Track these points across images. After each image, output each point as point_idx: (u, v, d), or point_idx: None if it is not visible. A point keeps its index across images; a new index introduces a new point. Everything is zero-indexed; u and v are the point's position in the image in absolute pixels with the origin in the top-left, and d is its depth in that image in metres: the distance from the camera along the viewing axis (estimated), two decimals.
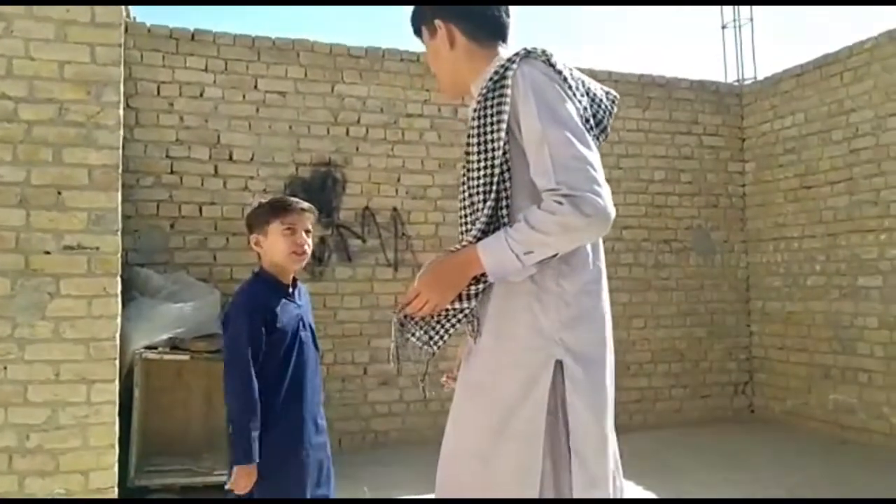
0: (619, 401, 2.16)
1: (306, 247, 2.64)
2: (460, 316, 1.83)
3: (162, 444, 4.61)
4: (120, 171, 3.84)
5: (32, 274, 3.63)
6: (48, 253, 3.66)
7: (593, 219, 1.64)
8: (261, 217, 2.65)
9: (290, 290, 2.69)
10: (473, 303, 1.81)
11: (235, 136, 5.57)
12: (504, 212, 1.78)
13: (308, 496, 2.57)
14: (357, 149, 5.88)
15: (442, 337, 1.85)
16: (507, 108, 1.74)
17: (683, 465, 5.15)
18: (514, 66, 1.76)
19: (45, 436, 3.60)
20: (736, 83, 7.57)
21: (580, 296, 1.79)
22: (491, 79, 1.78)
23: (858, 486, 4.66)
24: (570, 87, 1.80)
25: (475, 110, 1.80)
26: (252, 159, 5.60)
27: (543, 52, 1.80)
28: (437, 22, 1.94)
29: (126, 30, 4.30)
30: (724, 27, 8.40)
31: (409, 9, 2.06)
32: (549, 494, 1.72)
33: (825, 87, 6.26)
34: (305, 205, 2.68)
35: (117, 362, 3.78)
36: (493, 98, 1.76)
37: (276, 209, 2.64)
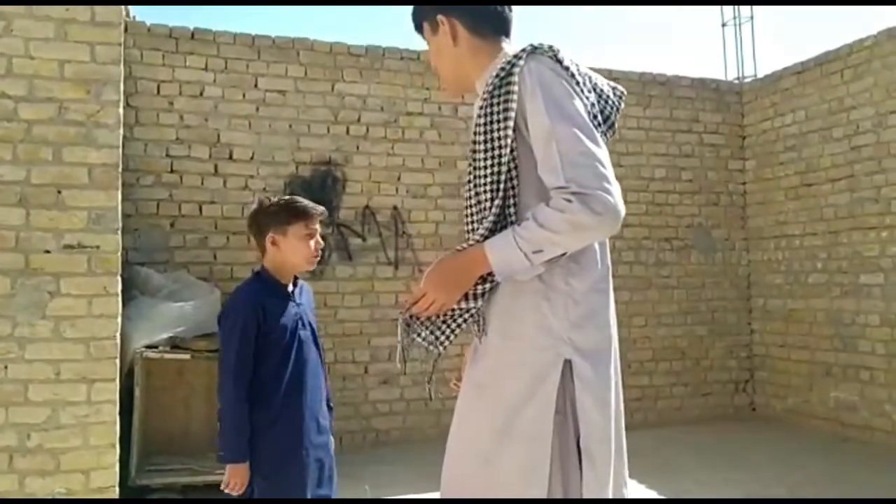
0: None
1: (319, 251, 2.68)
2: (466, 316, 1.81)
3: (163, 443, 4.61)
4: (120, 169, 3.83)
5: (32, 273, 3.62)
6: (48, 252, 3.65)
7: (603, 217, 1.62)
8: (279, 217, 2.63)
9: (291, 289, 2.69)
10: (480, 302, 1.79)
11: (235, 135, 5.56)
12: (511, 210, 1.76)
13: (309, 496, 2.56)
14: (357, 147, 5.87)
15: (448, 337, 1.83)
16: (514, 104, 1.72)
17: (684, 464, 5.15)
18: (521, 62, 1.73)
19: (46, 435, 3.60)
20: (736, 81, 7.56)
21: (589, 294, 1.77)
22: (497, 75, 1.75)
23: (860, 484, 4.65)
24: (577, 84, 1.77)
25: (481, 107, 1.78)
26: (252, 158, 5.59)
27: (550, 47, 1.78)
28: (440, 17, 1.91)
29: (126, 29, 4.29)
30: (724, 25, 8.38)
31: (409, 7, 2.04)
32: (558, 494, 1.71)
33: (826, 84, 6.25)
34: (321, 208, 2.69)
35: (118, 361, 3.77)
36: (499, 95, 1.74)
37: (297, 212, 2.63)
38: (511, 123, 1.72)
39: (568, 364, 1.72)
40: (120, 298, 3.82)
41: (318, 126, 5.78)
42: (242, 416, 2.48)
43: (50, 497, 3.58)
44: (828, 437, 5.94)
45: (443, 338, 1.83)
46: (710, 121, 7.01)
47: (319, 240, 2.67)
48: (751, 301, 7.00)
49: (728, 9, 8.35)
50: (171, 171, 5.39)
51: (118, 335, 3.78)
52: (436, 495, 1.91)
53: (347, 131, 5.86)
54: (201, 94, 5.50)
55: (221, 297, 4.85)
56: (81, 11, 3.73)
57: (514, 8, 1.97)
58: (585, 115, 1.72)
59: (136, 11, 5.50)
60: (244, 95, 5.60)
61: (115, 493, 3.74)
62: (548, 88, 1.70)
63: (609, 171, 1.66)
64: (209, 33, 5.56)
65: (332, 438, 2.73)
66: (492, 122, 1.75)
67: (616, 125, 1.94)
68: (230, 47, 5.60)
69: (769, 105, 6.83)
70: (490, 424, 1.76)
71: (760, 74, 7.24)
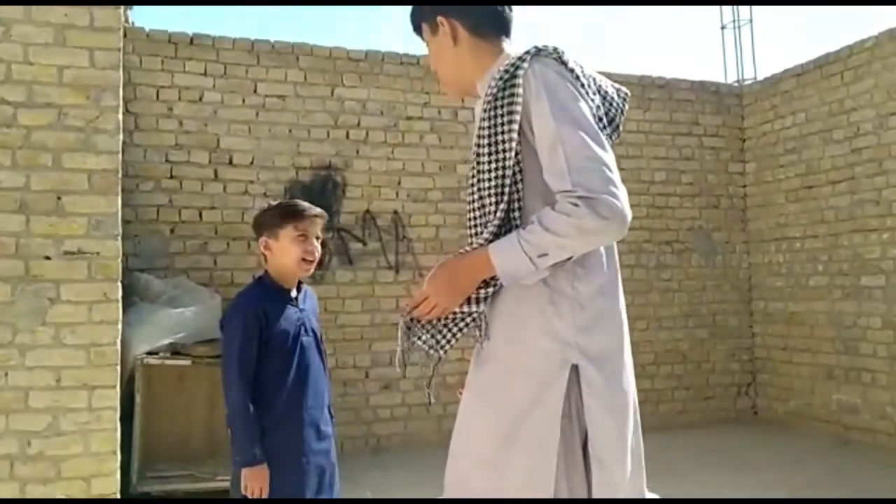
0: None
1: (316, 253, 2.63)
2: (468, 320, 1.80)
3: (164, 449, 4.59)
4: (120, 175, 3.83)
5: (32, 279, 3.61)
6: (48, 258, 3.64)
7: (610, 221, 1.60)
8: (272, 220, 2.62)
9: (294, 294, 2.67)
10: (482, 306, 1.77)
11: (235, 141, 5.56)
12: (516, 214, 1.75)
13: None
14: (357, 152, 5.87)
15: (449, 341, 1.82)
16: (518, 107, 1.70)
17: (687, 467, 5.13)
18: (525, 64, 1.71)
19: (47, 442, 3.58)
20: (736, 84, 7.56)
21: (596, 297, 1.75)
22: (501, 78, 1.73)
23: (862, 486, 4.64)
24: (582, 86, 1.76)
25: (485, 110, 1.75)
26: (252, 163, 5.59)
27: (555, 49, 1.76)
28: (440, 18, 1.89)
29: (125, 34, 4.28)
30: (723, 28, 8.38)
31: (407, 9, 2.02)
32: (563, 496, 1.70)
33: (826, 86, 6.24)
34: (318, 210, 2.65)
35: (118, 368, 3.76)
36: (503, 97, 1.72)
37: (289, 214, 2.61)
38: (516, 127, 1.70)
39: (575, 369, 1.71)
40: (120, 304, 3.80)
41: (317, 131, 5.78)
42: (251, 418, 2.47)
43: (53, 498, 3.57)
44: (830, 440, 5.92)
45: (443, 342, 1.81)
46: (710, 123, 7.00)
47: (315, 242, 2.62)
48: (752, 304, 6.99)
49: (727, 11, 8.35)
50: (171, 177, 5.38)
51: (119, 341, 3.77)
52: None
53: (347, 136, 5.86)
54: (200, 99, 5.49)
55: (222, 303, 4.84)
56: (80, 17, 3.72)
57: (514, 9, 1.95)
58: (591, 118, 1.70)
59: (135, 17, 5.50)
60: (244, 100, 5.60)
61: None
62: (553, 91, 1.69)
63: (615, 175, 1.64)
64: (208, 38, 5.56)
65: (334, 445, 2.71)
66: (496, 126, 1.73)
67: (620, 127, 1.92)
68: (229, 52, 5.59)
69: (769, 107, 6.82)
70: (495, 430, 1.74)
71: (760, 77, 7.24)
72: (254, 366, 2.51)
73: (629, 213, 1.64)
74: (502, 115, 1.72)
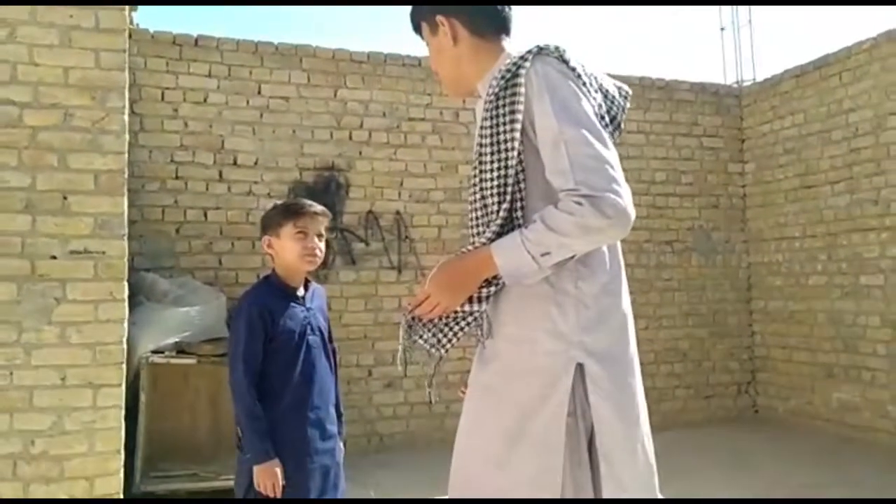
0: None
1: (318, 251, 2.61)
2: (470, 319, 1.78)
3: (168, 449, 4.57)
4: (125, 176, 3.81)
5: (38, 279, 3.59)
6: (54, 258, 3.62)
7: (614, 220, 1.58)
8: (273, 219, 2.62)
9: (301, 293, 2.65)
10: (484, 306, 1.75)
11: (239, 142, 5.54)
12: (519, 213, 1.73)
13: None
14: (360, 153, 5.85)
15: (450, 340, 1.80)
16: (521, 107, 1.68)
17: (687, 466, 5.10)
18: (527, 63, 1.69)
19: (51, 441, 3.56)
20: (735, 85, 7.53)
21: (600, 296, 1.73)
22: (503, 77, 1.71)
23: (863, 484, 4.62)
24: (584, 84, 1.73)
25: (486, 110, 1.73)
26: (256, 164, 5.57)
27: (556, 48, 1.73)
28: (439, 17, 1.87)
29: (130, 36, 4.27)
30: (722, 29, 8.34)
31: (408, 9, 2.00)
32: (569, 495, 1.68)
33: (824, 87, 6.22)
34: (319, 208, 2.64)
35: (124, 367, 3.74)
36: (505, 97, 1.70)
37: (289, 212, 2.61)
38: (518, 126, 1.68)
39: (580, 368, 1.69)
40: (126, 304, 3.78)
41: (321, 132, 5.76)
42: (259, 415, 2.46)
43: (56, 498, 3.55)
44: (830, 439, 5.89)
45: (444, 340, 1.80)
46: (709, 124, 6.98)
47: (315, 240, 2.60)
48: (752, 303, 6.97)
49: (727, 12, 8.31)
50: (176, 178, 5.37)
51: (124, 340, 3.75)
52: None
53: (350, 137, 5.84)
54: (205, 100, 5.48)
55: (227, 302, 4.83)
56: (86, 18, 3.70)
57: (514, 9, 1.93)
58: (593, 117, 1.68)
59: (139, 18, 5.48)
60: (248, 102, 5.58)
61: None
62: (555, 90, 1.67)
63: (619, 174, 1.62)
64: (212, 40, 5.55)
65: (340, 445, 2.69)
66: (498, 125, 1.71)
67: (622, 126, 1.90)
68: (233, 54, 5.58)
69: (768, 108, 6.80)
70: (501, 429, 1.72)
71: (759, 78, 7.21)
72: (259, 364, 2.49)
73: (633, 212, 1.61)
74: (504, 115, 1.70)
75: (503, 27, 1.89)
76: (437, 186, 6.04)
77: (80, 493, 3.57)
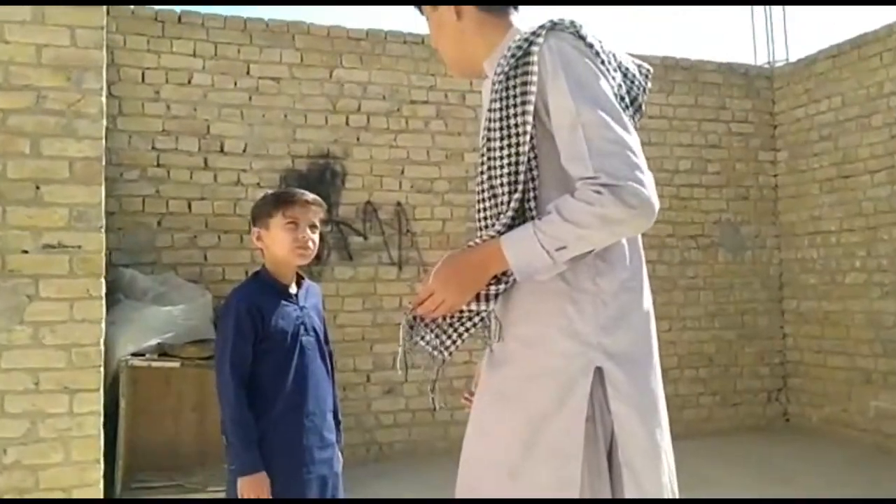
0: None
1: (310, 242, 2.60)
2: (476, 319, 1.76)
3: (150, 458, 4.60)
4: (103, 163, 3.82)
5: (9, 275, 3.61)
6: (26, 252, 3.64)
7: (637, 210, 1.57)
8: (263, 210, 2.62)
9: (294, 290, 2.66)
10: (493, 304, 1.73)
11: (226, 126, 5.55)
12: (532, 204, 1.71)
13: None
14: (358, 139, 5.86)
15: (455, 342, 1.79)
16: (533, 87, 1.66)
17: (713, 477, 5.11)
18: (540, 39, 1.67)
19: (24, 450, 3.58)
20: (767, 65, 7.52)
21: (619, 294, 1.72)
22: (513, 55, 1.68)
23: None
24: (602, 63, 1.72)
25: (495, 91, 1.71)
26: (244, 151, 5.58)
27: (572, 23, 1.71)
28: None
29: (107, 12, 4.28)
30: (753, 5, 8.33)
31: None
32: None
33: (863, 68, 6.21)
34: (311, 197, 2.63)
35: (102, 370, 3.76)
36: (516, 76, 1.68)
37: (278, 201, 2.61)
38: (530, 108, 1.66)
39: (599, 371, 1.68)
40: (104, 302, 3.80)
41: (315, 116, 5.77)
42: (247, 422, 2.45)
43: (45, 498, 3.57)
44: (867, 449, 5.89)
45: (448, 342, 1.78)
46: (738, 108, 6.97)
47: (308, 231, 2.59)
48: (783, 303, 6.96)
49: None
50: (158, 165, 5.38)
51: (102, 342, 3.77)
52: None
53: (347, 121, 5.85)
54: (189, 81, 5.49)
55: (213, 301, 4.85)
56: None
57: None
58: (613, 98, 1.66)
59: None
60: (235, 83, 5.59)
61: None
62: (571, 68, 1.65)
63: (641, 160, 1.61)
64: (197, 16, 5.55)
65: (339, 454, 2.70)
66: (508, 108, 1.69)
67: (644, 107, 1.88)
68: (220, 31, 5.59)
69: (802, 91, 6.79)
70: (514, 437, 1.71)
71: (793, 58, 7.19)
72: (248, 367, 2.50)
73: (657, 202, 1.60)
74: (515, 97, 1.68)
75: None
76: (441, 175, 6.04)
77: None
